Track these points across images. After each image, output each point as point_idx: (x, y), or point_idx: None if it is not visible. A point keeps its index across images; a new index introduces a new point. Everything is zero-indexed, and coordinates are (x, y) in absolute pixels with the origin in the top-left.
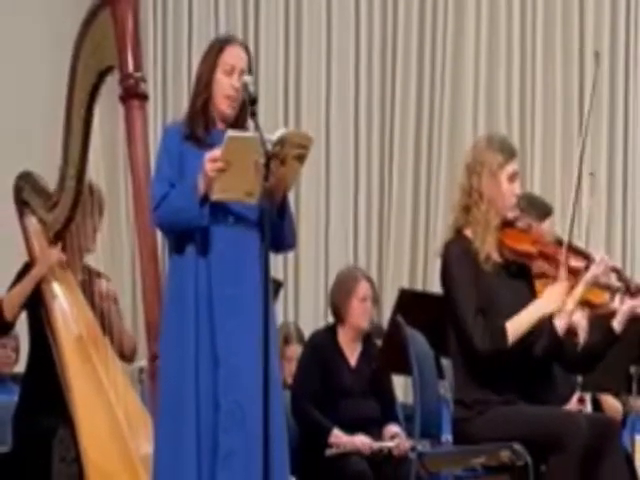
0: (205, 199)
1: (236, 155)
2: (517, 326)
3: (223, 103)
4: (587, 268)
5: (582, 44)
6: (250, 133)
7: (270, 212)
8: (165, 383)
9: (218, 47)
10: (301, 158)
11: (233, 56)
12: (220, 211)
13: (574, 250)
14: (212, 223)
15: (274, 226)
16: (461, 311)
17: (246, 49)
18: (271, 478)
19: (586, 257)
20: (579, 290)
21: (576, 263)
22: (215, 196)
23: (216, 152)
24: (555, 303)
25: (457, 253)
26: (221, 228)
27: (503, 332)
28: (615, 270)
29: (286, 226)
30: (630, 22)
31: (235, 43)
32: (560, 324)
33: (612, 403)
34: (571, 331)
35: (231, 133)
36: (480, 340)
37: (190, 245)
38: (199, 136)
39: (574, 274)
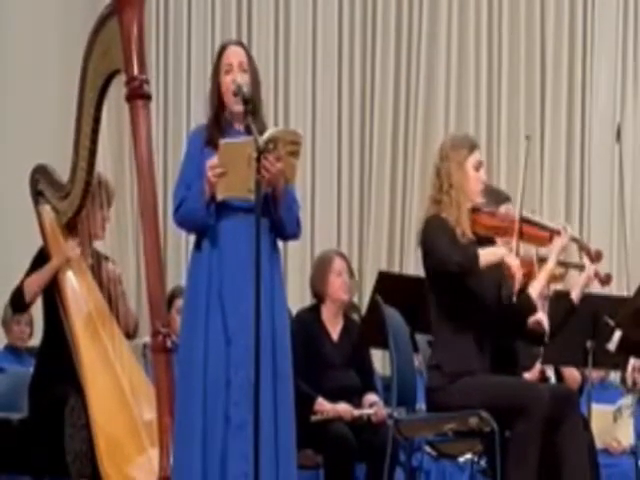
0: (212, 200)
1: (231, 159)
2: (485, 256)
3: (234, 102)
4: (551, 239)
5: (543, 48)
6: (241, 138)
7: (264, 202)
8: (178, 361)
9: (217, 55)
10: (295, 154)
11: (229, 55)
12: (229, 209)
13: (538, 224)
14: (223, 220)
15: (274, 215)
16: (438, 245)
17: (242, 46)
18: (279, 447)
19: (549, 229)
20: (551, 262)
21: (540, 234)
22: (220, 196)
23: (215, 159)
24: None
25: (435, 223)
26: (231, 224)
27: (476, 256)
28: (574, 240)
29: (287, 217)
30: (587, 20)
31: (230, 44)
32: (534, 294)
33: (572, 373)
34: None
35: (223, 141)
36: (456, 257)
37: (205, 241)
38: (216, 142)
39: (541, 243)
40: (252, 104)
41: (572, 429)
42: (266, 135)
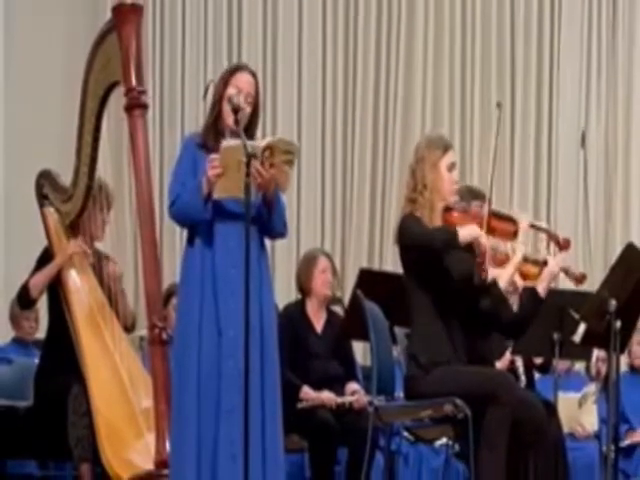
0: (208, 197)
1: (230, 160)
2: (463, 233)
3: (229, 118)
4: (516, 233)
5: (513, 60)
6: (239, 141)
7: (253, 204)
8: (174, 351)
9: (230, 70)
10: (290, 163)
11: (242, 80)
12: (223, 209)
13: (505, 217)
14: (217, 219)
15: (264, 217)
16: (419, 230)
17: (254, 76)
18: (265, 431)
19: (512, 220)
20: (518, 255)
21: (508, 228)
22: (217, 195)
23: (215, 157)
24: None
25: (410, 220)
26: (224, 223)
27: (455, 232)
28: (539, 229)
29: (276, 217)
30: (554, 31)
31: (245, 70)
32: (503, 285)
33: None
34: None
35: (224, 143)
36: (439, 234)
37: (198, 238)
38: (209, 146)
39: (509, 237)
40: (246, 124)
41: (541, 413)
42: (264, 143)
